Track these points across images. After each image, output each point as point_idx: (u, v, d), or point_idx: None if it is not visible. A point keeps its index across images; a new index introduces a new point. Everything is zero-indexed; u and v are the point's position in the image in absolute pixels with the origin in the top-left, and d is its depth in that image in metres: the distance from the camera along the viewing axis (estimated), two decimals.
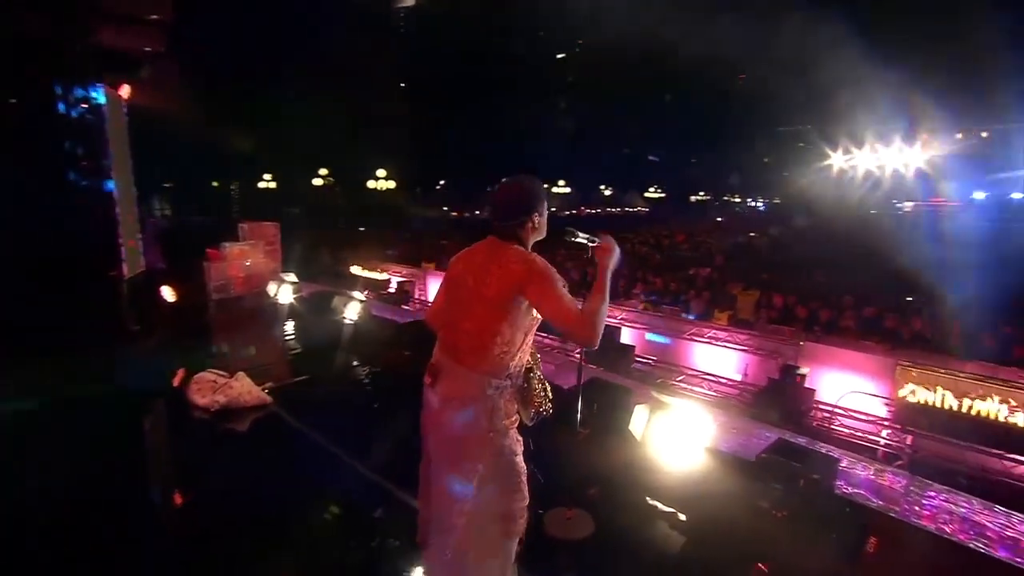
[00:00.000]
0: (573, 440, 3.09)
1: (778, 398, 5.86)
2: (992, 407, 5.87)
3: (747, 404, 6.15)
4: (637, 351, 7.43)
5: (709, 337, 7.61)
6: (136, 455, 3.52)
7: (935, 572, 2.58)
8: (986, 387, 5.94)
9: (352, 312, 5.59)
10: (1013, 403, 5.76)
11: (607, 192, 46.29)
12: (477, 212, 31.38)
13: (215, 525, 2.73)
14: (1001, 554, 2.70)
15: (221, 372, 4.20)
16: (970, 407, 5.87)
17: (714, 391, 6.91)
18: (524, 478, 1.84)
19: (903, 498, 2.88)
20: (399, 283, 9.72)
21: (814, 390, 6.03)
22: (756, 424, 3.56)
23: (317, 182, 24.14)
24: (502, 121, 25.28)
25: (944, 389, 5.98)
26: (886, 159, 21.20)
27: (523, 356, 1.81)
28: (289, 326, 6.09)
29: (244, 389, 4.02)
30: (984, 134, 18.45)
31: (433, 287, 10.33)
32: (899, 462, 5.41)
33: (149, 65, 6.97)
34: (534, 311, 1.76)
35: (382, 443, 3.48)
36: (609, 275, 1.79)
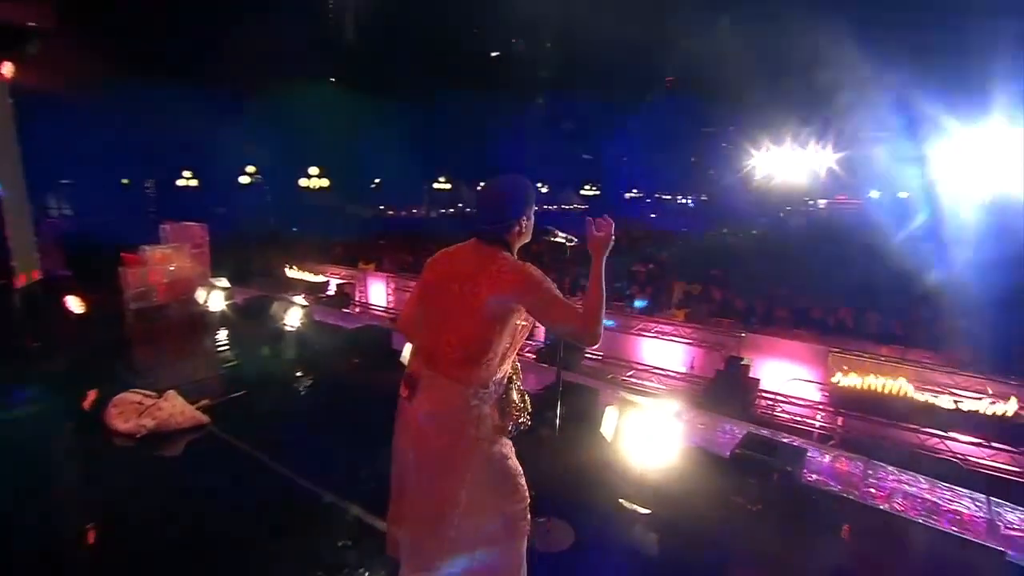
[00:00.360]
0: (545, 446, 2.98)
1: (726, 388, 6.07)
2: (906, 386, 6.41)
3: (698, 396, 6.35)
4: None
5: (656, 331, 7.80)
6: (47, 493, 3.04)
7: (895, 550, 2.70)
8: (901, 369, 6.49)
9: (293, 318, 5.20)
10: (922, 383, 6.34)
11: (544, 189, 46.86)
12: (414, 211, 30.69)
13: (154, 564, 2.39)
14: (945, 526, 2.90)
15: (147, 392, 3.74)
16: (891, 388, 6.37)
17: (664, 384, 7.09)
18: (521, 480, 1.79)
19: (862, 482, 3.01)
20: (338, 285, 9.25)
21: (758, 379, 6.31)
22: (720, 418, 3.62)
23: (244, 180, 22.53)
24: (437, 118, 24.86)
25: (868, 373, 6.46)
26: (800, 160, 22.85)
27: (507, 366, 1.73)
28: (223, 336, 5.58)
29: (176, 409, 3.61)
30: (882, 136, 20.33)
31: (375, 289, 9.92)
32: (832, 441, 5.78)
33: (38, 41, 6.15)
34: (521, 320, 1.70)
35: (339, 459, 3.23)
36: (603, 266, 1.73)
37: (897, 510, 2.89)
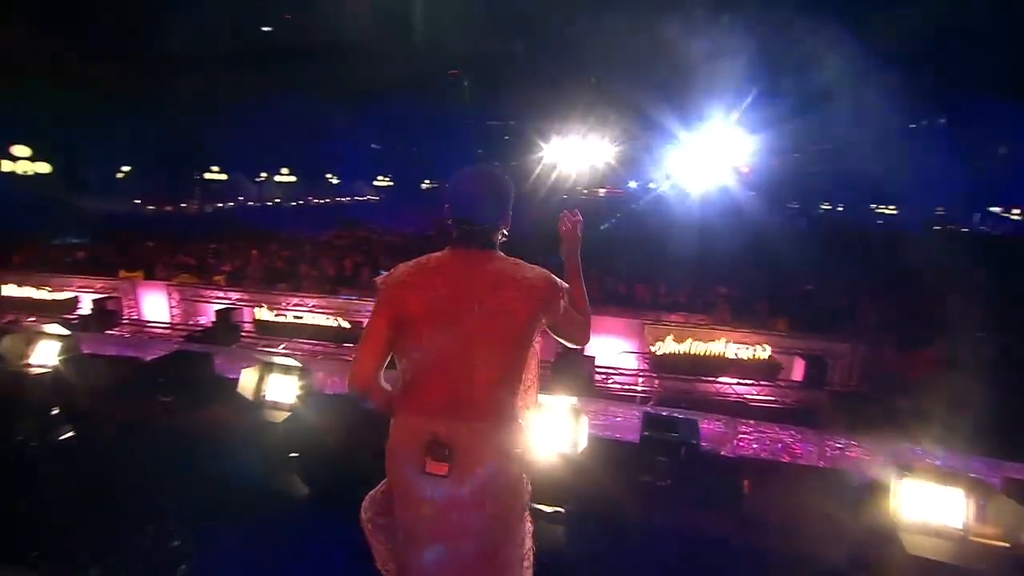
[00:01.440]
0: None
1: (568, 369, 6.42)
2: (700, 346, 7.69)
3: (544, 379, 6.58)
4: None
5: None
6: None
7: (784, 492, 3.08)
8: (696, 332, 7.77)
9: (46, 355, 3.68)
10: (709, 340, 7.68)
11: (334, 181, 44.48)
12: (183, 205, 25.48)
13: None
14: (784, 459, 3.47)
15: None
16: (692, 349, 7.56)
17: None
18: None
19: (732, 439, 3.40)
20: (95, 301, 7.00)
21: (593, 357, 6.82)
22: (608, 404, 3.73)
23: None
24: (216, 101, 20.83)
25: (675, 339, 7.56)
26: (577, 155, 25.78)
27: (536, 391, 1.53)
28: None
29: None
30: (638, 134, 24.23)
31: (151, 302, 7.86)
32: (651, 402, 6.61)
33: None
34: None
35: (162, 538, 2.39)
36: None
37: (761, 456, 3.36)
